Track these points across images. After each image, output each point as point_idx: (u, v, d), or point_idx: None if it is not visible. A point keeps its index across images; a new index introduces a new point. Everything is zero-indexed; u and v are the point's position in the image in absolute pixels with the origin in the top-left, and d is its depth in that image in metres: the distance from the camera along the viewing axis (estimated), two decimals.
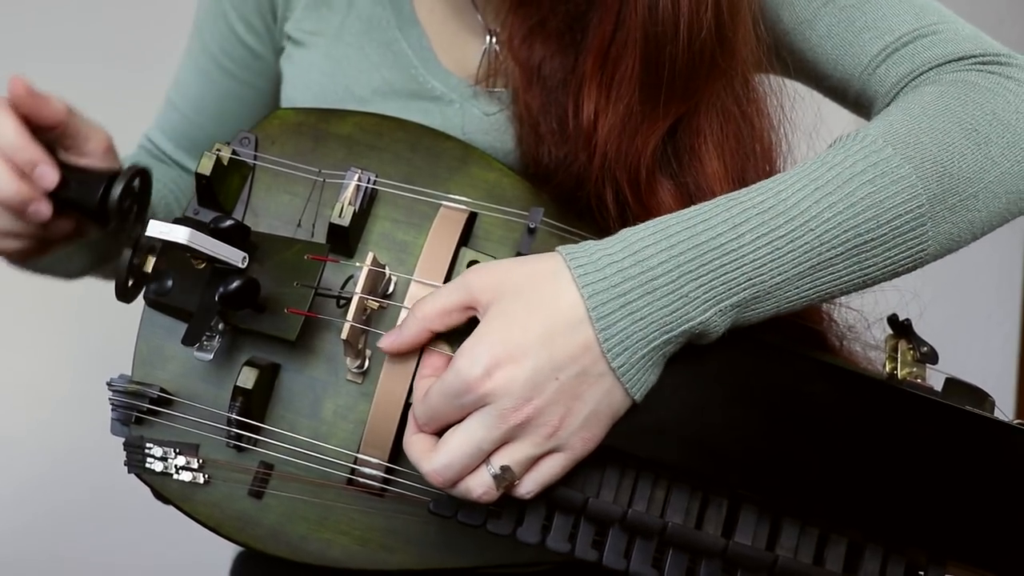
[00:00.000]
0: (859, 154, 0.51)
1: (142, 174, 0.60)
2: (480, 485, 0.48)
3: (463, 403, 0.48)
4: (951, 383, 0.56)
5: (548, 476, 0.50)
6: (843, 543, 0.52)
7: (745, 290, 0.49)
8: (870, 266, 0.51)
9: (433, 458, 0.49)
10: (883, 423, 0.52)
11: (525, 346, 0.47)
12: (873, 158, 0.51)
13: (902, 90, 0.60)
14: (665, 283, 0.48)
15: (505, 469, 0.48)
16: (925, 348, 0.56)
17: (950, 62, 0.59)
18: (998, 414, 0.55)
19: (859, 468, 0.51)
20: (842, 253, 0.49)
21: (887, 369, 0.56)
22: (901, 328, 0.57)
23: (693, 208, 0.51)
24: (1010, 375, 1.70)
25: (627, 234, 0.50)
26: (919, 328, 0.57)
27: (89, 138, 0.60)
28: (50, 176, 0.56)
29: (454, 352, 0.50)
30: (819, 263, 0.49)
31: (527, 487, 0.50)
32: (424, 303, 0.51)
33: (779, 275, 0.49)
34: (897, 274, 0.52)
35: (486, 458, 0.49)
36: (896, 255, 0.51)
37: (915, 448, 0.51)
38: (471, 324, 0.50)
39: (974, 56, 0.59)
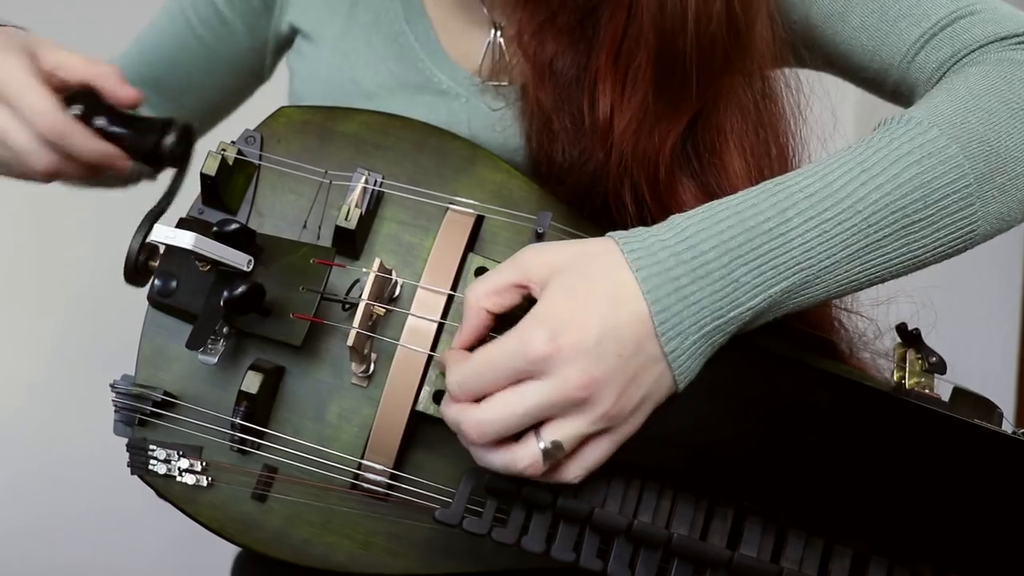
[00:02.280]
0: (904, 136, 0.51)
1: (189, 127, 0.63)
2: (528, 456, 0.46)
3: (517, 367, 0.46)
4: (958, 393, 0.56)
5: (594, 461, 0.48)
6: (848, 555, 0.52)
7: (795, 274, 0.48)
8: (919, 247, 0.50)
9: (474, 411, 0.46)
10: (889, 435, 0.51)
11: (590, 315, 0.46)
12: (919, 139, 0.50)
13: (945, 74, 0.59)
14: (717, 268, 0.47)
15: (556, 444, 0.46)
16: (934, 358, 0.56)
17: (992, 42, 0.58)
18: (1004, 425, 0.54)
19: (865, 480, 0.51)
20: (890, 234, 0.49)
21: (895, 378, 0.56)
22: (910, 338, 0.57)
23: (741, 193, 0.50)
24: (1010, 375, 1.70)
25: (677, 220, 0.49)
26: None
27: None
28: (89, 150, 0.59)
29: None
30: (867, 245, 0.49)
31: (573, 472, 0.48)
32: (475, 285, 0.49)
33: (828, 258, 0.48)
34: (947, 255, 0.52)
35: (534, 429, 0.47)
36: (945, 235, 0.50)
37: (921, 460, 0.51)
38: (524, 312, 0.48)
39: (1017, 35, 0.58)
